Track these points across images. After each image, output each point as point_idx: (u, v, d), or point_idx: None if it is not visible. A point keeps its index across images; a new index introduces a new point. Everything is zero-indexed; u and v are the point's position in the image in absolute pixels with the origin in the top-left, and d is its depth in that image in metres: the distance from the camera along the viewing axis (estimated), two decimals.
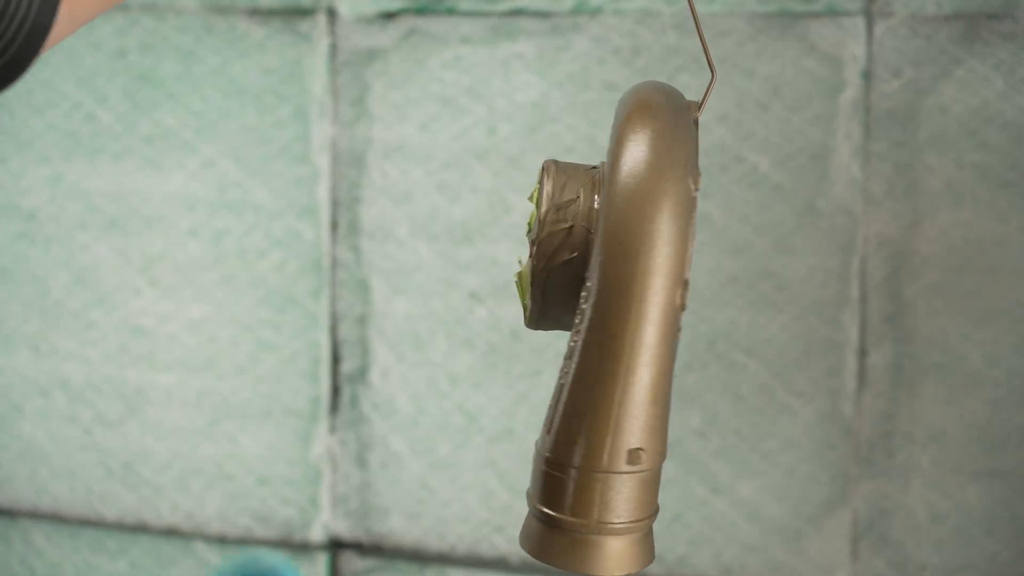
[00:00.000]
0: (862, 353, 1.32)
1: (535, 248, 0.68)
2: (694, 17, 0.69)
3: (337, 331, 1.44)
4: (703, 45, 0.71)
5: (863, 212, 1.31)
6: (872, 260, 1.32)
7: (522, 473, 1.41)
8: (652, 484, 0.66)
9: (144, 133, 1.48)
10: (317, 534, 1.47)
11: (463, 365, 1.42)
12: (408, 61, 1.40)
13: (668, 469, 1.37)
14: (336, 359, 1.45)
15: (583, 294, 0.65)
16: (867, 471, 1.33)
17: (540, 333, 1.41)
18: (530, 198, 0.71)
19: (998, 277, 1.29)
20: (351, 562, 1.46)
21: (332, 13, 1.42)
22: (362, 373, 1.44)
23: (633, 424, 0.64)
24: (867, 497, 1.34)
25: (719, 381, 1.36)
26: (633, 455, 0.64)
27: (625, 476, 0.64)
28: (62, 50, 1.50)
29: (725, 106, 1.33)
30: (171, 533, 1.51)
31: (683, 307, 0.64)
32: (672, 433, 1.37)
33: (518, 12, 1.37)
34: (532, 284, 0.68)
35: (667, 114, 0.67)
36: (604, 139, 1.35)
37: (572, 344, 0.65)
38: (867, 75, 1.30)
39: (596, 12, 1.35)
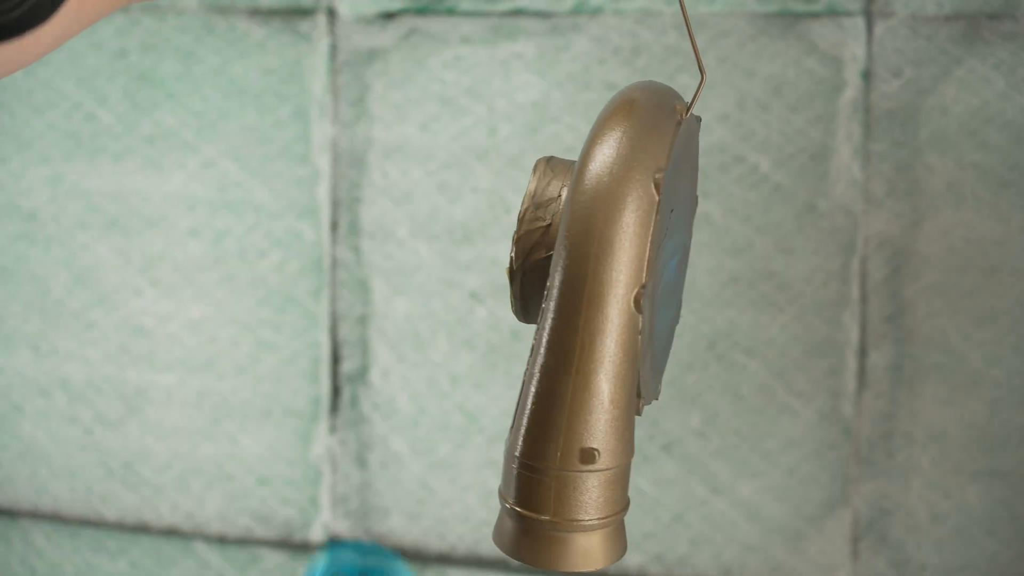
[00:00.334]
0: (862, 353, 1.33)
1: (514, 245, 0.69)
2: (685, 17, 0.70)
3: (337, 331, 1.44)
4: (693, 45, 0.71)
5: (863, 212, 1.31)
6: (872, 260, 1.32)
7: None
8: (616, 482, 0.66)
9: (144, 133, 1.48)
10: (317, 534, 1.47)
11: (463, 365, 1.42)
12: (408, 61, 1.40)
13: (668, 469, 1.38)
14: (336, 359, 1.45)
15: (545, 292, 0.66)
16: (867, 471, 1.33)
17: None
18: None
19: (998, 277, 1.29)
20: None
21: (332, 13, 1.42)
22: (362, 373, 1.44)
23: (585, 424, 0.65)
24: (867, 497, 1.34)
25: (719, 381, 1.36)
26: (586, 454, 0.65)
27: (583, 474, 0.65)
28: (63, 50, 1.50)
29: (725, 106, 1.33)
30: (171, 533, 1.51)
31: (640, 310, 0.65)
32: (672, 433, 1.37)
33: (518, 12, 1.37)
34: (511, 281, 0.69)
35: (643, 115, 0.67)
36: None
37: (534, 341, 0.66)
38: (867, 75, 1.30)
39: (596, 12, 1.35)
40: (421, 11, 1.40)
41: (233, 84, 1.45)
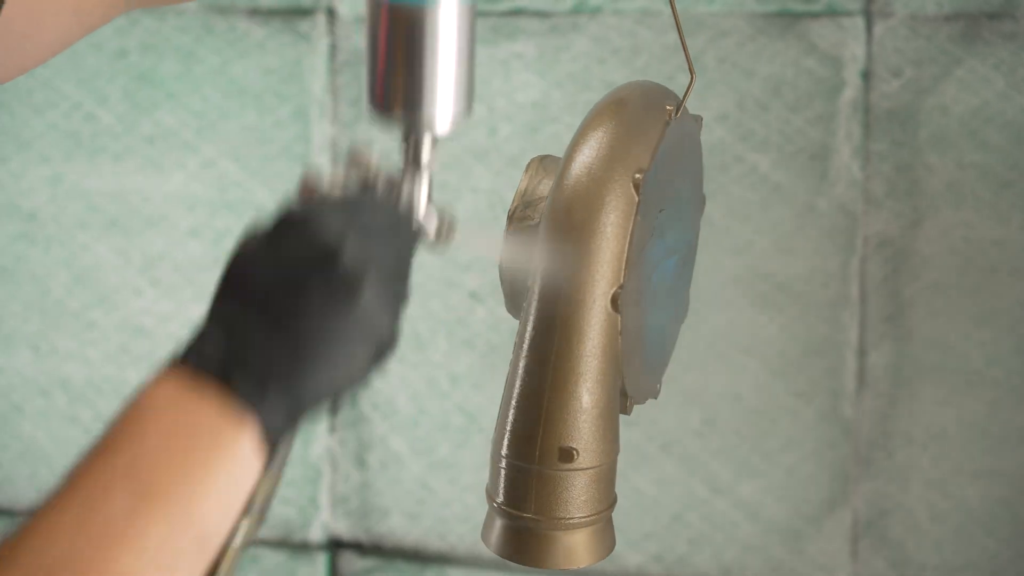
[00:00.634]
0: (862, 353, 1.32)
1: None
2: (675, 17, 0.69)
3: None
4: (683, 44, 0.71)
5: (863, 212, 1.31)
6: (872, 260, 1.32)
7: None
8: (599, 481, 0.66)
9: (144, 133, 1.48)
10: (317, 534, 1.47)
11: (463, 365, 1.42)
12: None
13: (668, 469, 1.38)
14: None
15: (528, 292, 0.66)
16: (867, 471, 1.33)
17: None
18: None
19: (998, 277, 1.29)
20: (351, 562, 1.46)
21: (332, 13, 1.42)
22: None
23: (563, 424, 0.65)
24: (867, 497, 1.34)
25: (719, 381, 1.36)
26: (565, 453, 0.65)
27: (563, 473, 0.65)
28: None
29: (725, 106, 1.33)
30: None
31: (618, 310, 0.64)
32: (672, 433, 1.37)
33: (518, 12, 1.37)
34: (502, 279, 0.69)
35: (628, 116, 0.67)
36: None
37: (516, 339, 0.66)
38: (867, 75, 1.30)
39: (596, 12, 1.35)
40: None
41: (233, 84, 1.45)
